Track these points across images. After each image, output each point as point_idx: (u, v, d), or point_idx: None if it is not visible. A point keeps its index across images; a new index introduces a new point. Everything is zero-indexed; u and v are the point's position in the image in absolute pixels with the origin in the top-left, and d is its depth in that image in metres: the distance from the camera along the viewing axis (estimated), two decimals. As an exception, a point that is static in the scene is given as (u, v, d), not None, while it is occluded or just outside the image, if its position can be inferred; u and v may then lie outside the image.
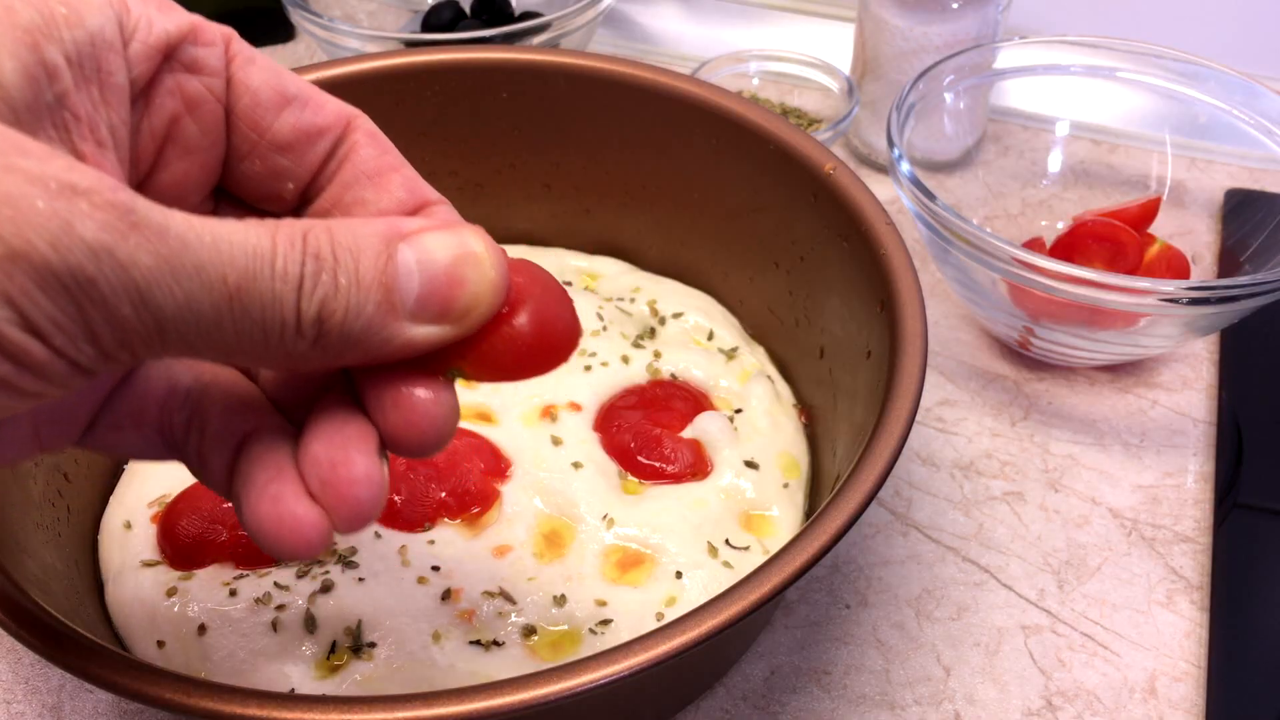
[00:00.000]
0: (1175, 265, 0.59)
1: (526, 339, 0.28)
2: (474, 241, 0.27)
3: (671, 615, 0.42)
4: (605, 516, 0.46)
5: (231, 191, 0.32)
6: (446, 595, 0.43)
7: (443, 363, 0.28)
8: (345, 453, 0.27)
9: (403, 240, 0.27)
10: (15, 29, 0.25)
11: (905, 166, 0.55)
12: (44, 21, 0.25)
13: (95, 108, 0.27)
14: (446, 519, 0.46)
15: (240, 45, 0.30)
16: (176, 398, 0.30)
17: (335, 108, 0.31)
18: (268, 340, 0.25)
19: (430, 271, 0.27)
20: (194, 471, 0.31)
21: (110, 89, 0.27)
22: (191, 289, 0.23)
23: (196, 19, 0.29)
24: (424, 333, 0.27)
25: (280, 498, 0.27)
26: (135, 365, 0.25)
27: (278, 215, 0.27)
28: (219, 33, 0.30)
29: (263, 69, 0.30)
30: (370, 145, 0.31)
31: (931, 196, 0.53)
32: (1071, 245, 0.59)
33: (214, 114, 0.30)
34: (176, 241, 0.23)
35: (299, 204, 0.32)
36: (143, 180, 0.30)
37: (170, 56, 0.29)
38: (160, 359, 0.25)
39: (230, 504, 0.43)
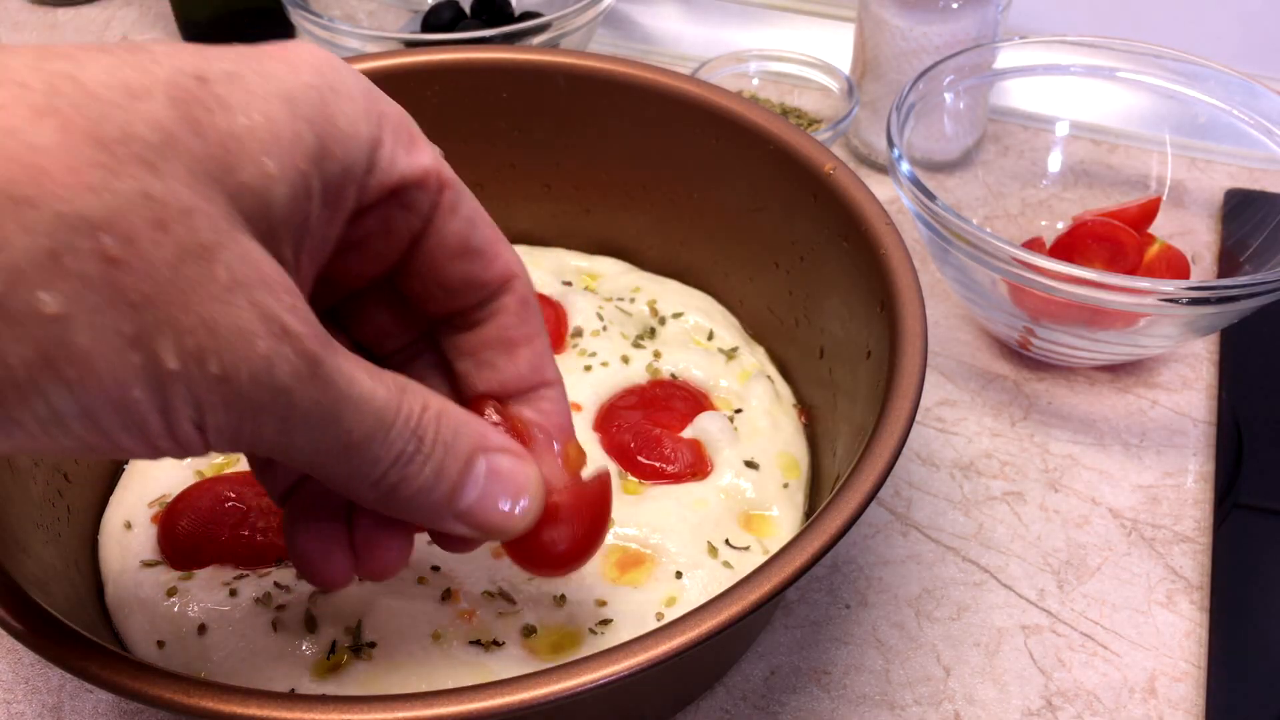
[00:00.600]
0: (1175, 265, 0.59)
1: (540, 554, 0.35)
2: (533, 484, 0.33)
3: (671, 615, 0.42)
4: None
5: (388, 279, 0.35)
6: (446, 595, 0.43)
7: None
8: (387, 528, 0.34)
9: (484, 454, 0.32)
10: (297, 155, 0.27)
11: (905, 166, 0.55)
12: (320, 149, 0.28)
13: (320, 225, 0.29)
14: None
15: (451, 194, 0.33)
16: None
17: (503, 264, 0.34)
18: (350, 478, 0.30)
19: (488, 494, 0.32)
20: (256, 470, 0.35)
21: (338, 209, 0.30)
22: (325, 433, 0.28)
23: (430, 164, 0.32)
24: (460, 530, 0.32)
25: (326, 542, 0.33)
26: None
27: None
28: (438, 178, 0.32)
29: (460, 219, 0.33)
30: (517, 313, 0.35)
31: (931, 196, 0.53)
32: (1071, 245, 0.59)
33: (401, 243, 0.33)
34: (335, 394, 0.27)
35: (441, 318, 0.36)
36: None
37: (395, 194, 0.31)
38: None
39: (230, 505, 0.44)
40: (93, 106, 0.23)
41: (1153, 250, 0.59)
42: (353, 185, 0.30)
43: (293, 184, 0.27)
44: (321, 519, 0.33)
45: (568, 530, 0.35)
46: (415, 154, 0.31)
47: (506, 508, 0.33)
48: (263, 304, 0.25)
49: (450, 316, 0.35)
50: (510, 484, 0.33)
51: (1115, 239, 0.58)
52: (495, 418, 0.35)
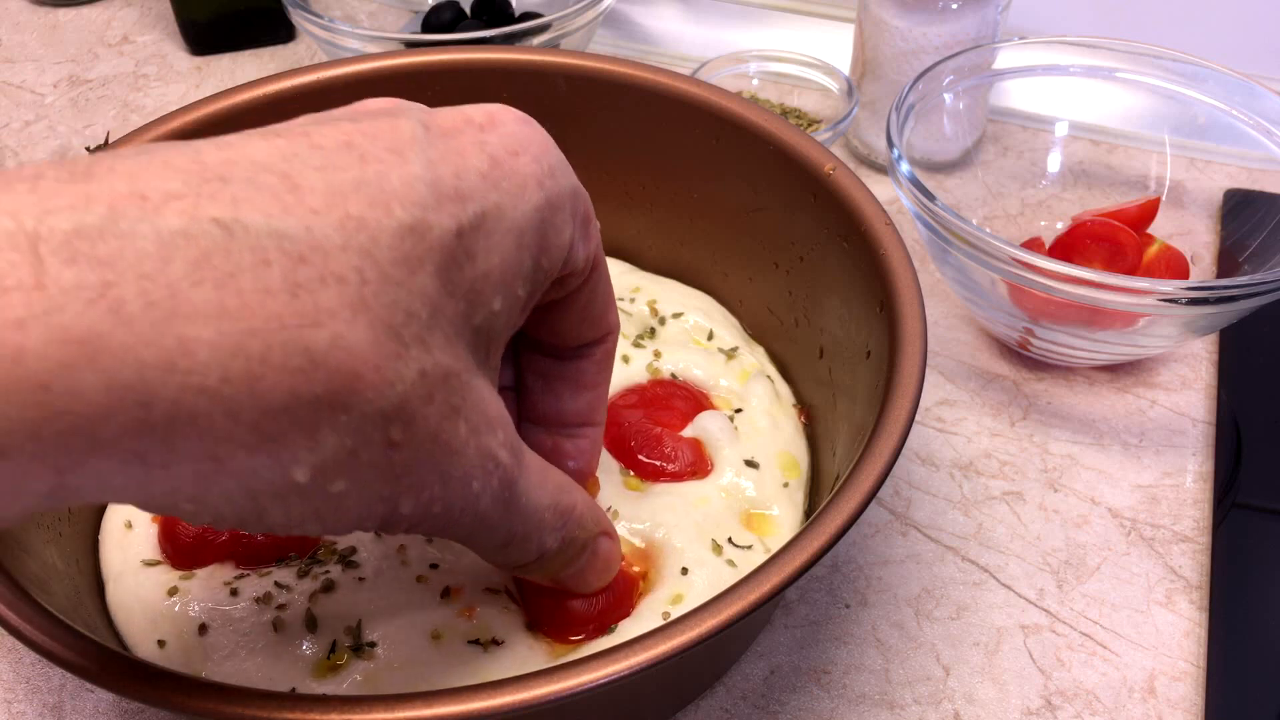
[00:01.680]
0: (1174, 265, 0.59)
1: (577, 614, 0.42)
2: (617, 562, 0.39)
3: (677, 613, 0.42)
4: (609, 509, 0.46)
5: None
6: (446, 593, 0.43)
7: None
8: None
9: (606, 536, 0.37)
10: (517, 284, 0.28)
11: (905, 167, 0.55)
12: (535, 270, 0.29)
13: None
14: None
15: (598, 274, 0.34)
16: None
17: (608, 323, 0.37)
18: (493, 558, 0.34)
19: (590, 569, 0.37)
20: None
21: (530, 303, 0.31)
22: (494, 535, 0.31)
23: (595, 250, 0.33)
24: (543, 577, 0.37)
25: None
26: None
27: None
28: (594, 260, 0.33)
29: (597, 295, 0.35)
30: (600, 363, 0.38)
31: (931, 196, 0.53)
32: (1070, 245, 0.59)
33: (540, 306, 0.34)
34: (517, 510, 0.31)
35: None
36: None
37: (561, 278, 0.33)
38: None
39: None
40: (386, 292, 0.24)
41: (1152, 250, 0.60)
42: (547, 283, 0.31)
43: (511, 309, 0.28)
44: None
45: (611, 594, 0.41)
46: (589, 242, 0.32)
47: (594, 582, 0.38)
48: (486, 446, 0.27)
49: (544, 345, 0.37)
50: (606, 565, 0.38)
51: (1114, 239, 0.59)
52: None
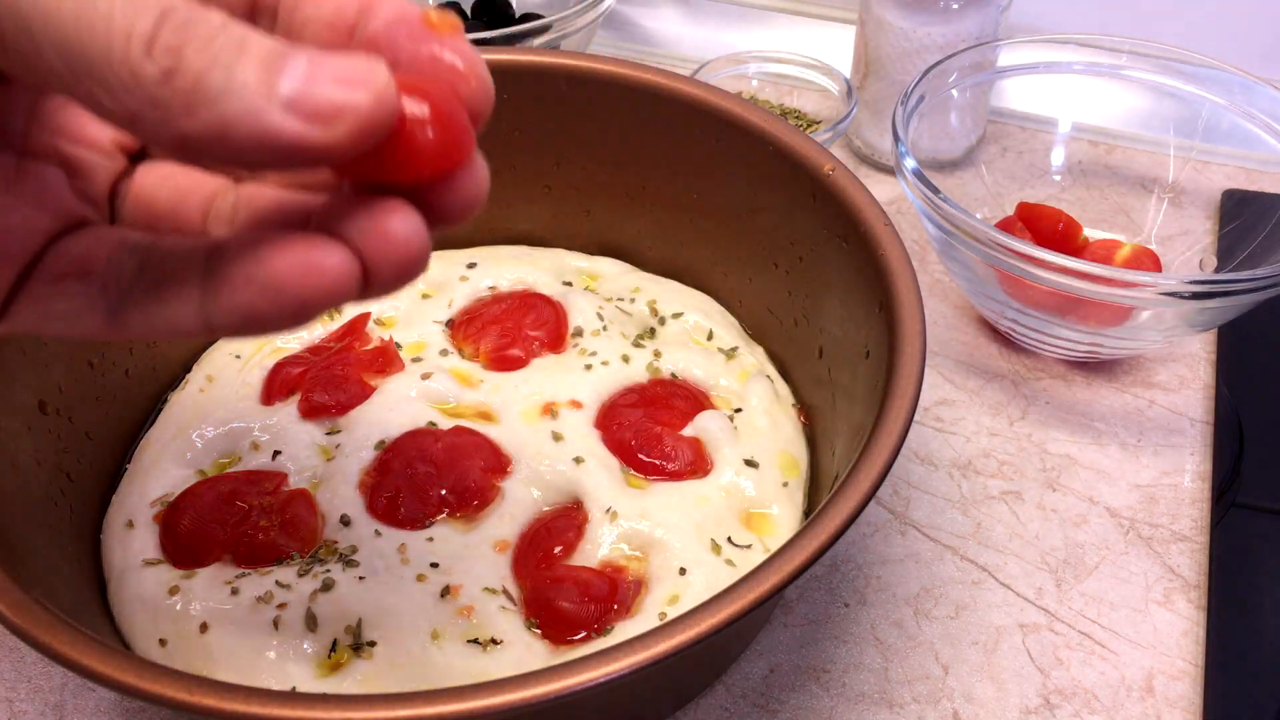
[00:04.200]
0: (1149, 266, 0.60)
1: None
2: (369, 60, 0.25)
3: (674, 613, 0.42)
4: (609, 510, 0.46)
5: None
6: (446, 592, 0.43)
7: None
8: (383, 212, 0.26)
9: (298, 51, 0.24)
10: None
11: (910, 162, 0.55)
12: None
13: None
14: (447, 514, 0.46)
15: None
16: (127, 245, 0.29)
17: None
18: (111, 52, 0.23)
19: (316, 74, 0.24)
20: (136, 324, 0.28)
21: None
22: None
23: None
24: (295, 127, 0.24)
25: (299, 249, 0.26)
26: None
27: None
28: None
29: None
30: None
31: (936, 190, 0.53)
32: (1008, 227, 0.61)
33: None
34: None
35: None
36: None
37: None
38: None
39: (231, 504, 0.44)
40: None
41: (1123, 252, 0.60)
42: None
43: None
44: (275, 241, 0.26)
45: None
46: None
47: (347, 83, 0.24)
48: None
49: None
50: (341, 60, 0.25)
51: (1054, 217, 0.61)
52: None
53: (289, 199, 0.30)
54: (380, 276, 0.26)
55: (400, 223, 0.26)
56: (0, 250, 0.28)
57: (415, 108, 0.26)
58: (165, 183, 0.31)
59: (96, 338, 0.29)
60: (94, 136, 0.30)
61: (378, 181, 0.27)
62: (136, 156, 0.31)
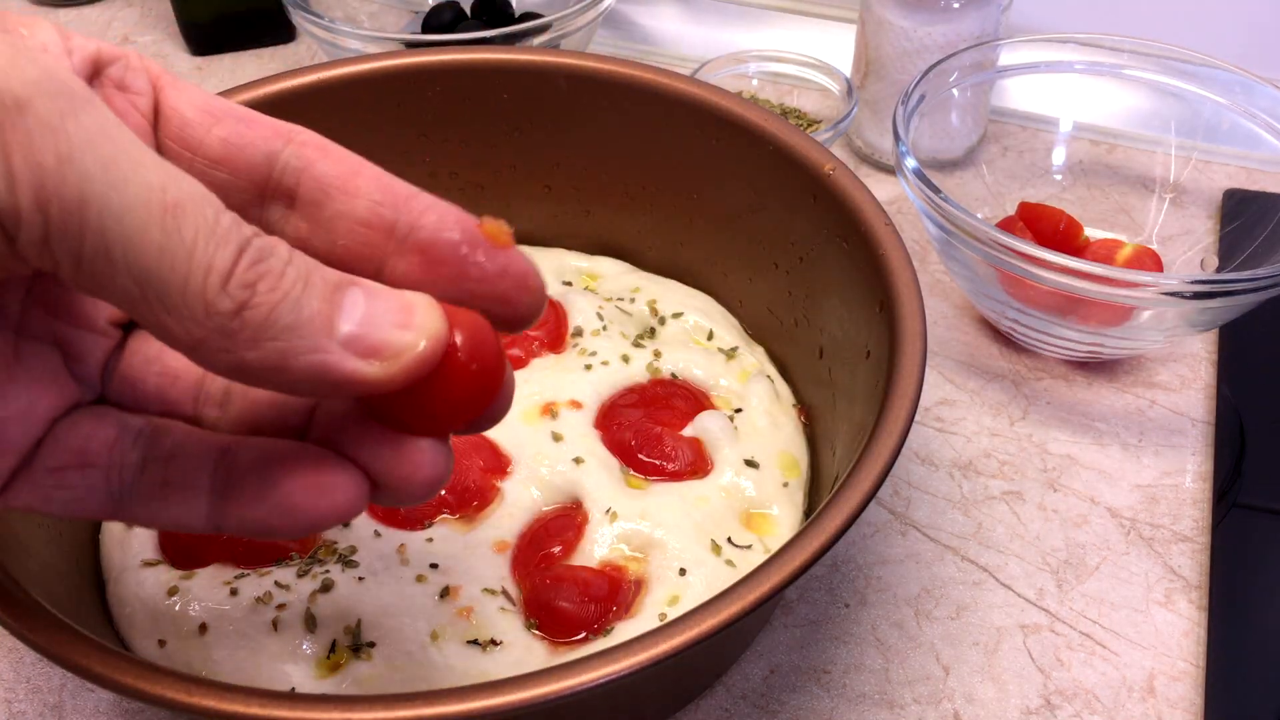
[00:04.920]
0: (1151, 266, 0.60)
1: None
2: (423, 300, 0.26)
3: (674, 614, 0.42)
4: (609, 510, 0.46)
5: None
6: (445, 593, 0.43)
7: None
8: (401, 439, 0.27)
9: (354, 285, 0.26)
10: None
11: (911, 161, 0.55)
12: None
13: None
14: (446, 514, 0.46)
15: (168, 76, 0.29)
16: (128, 436, 0.29)
17: (271, 124, 0.29)
18: (189, 283, 0.23)
19: (374, 313, 0.26)
20: (142, 517, 0.29)
21: None
22: (123, 176, 0.22)
23: (128, 52, 0.28)
24: (352, 365, 0.25)
25: (310, 473, 0.27)
26: (45, 261, 0.23)
27: None
28: (145, 63, 0.29)
29: (191, 93, 0.29)
30: (322, 155, 0.29)
31: (936, 190, 0.53)
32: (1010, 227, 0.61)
33: (141, 132, 0.28)
34: (115, 128, 0.23)
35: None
36: None
37: (99, 71, 0.28)
38: (70, 266, 0.23)
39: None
40: None
41: (1124, 252, 0.60)
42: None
43: None
44: (289, 463, 0.27)
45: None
46: (100, 40, 0.28)
47: (402, 325, 0.26)
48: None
49: (271, 222, 0.29)
50: (396, 300, 0.26)
51: (1054, 217, 0.61)
52: None
53: (281, 395, 0.30)
54: (401, 496, 0.28)
55: (426, 467, 0.27)
56: (1, 441, 0.27)
57: (460, 351, 0.27)
58: (153, 365, 0.31)
59: (100, 519, 0.29)
60: (90, 316, 0.30)
61: (406, 420, 0.27)
62: (127, 326, 0.31)
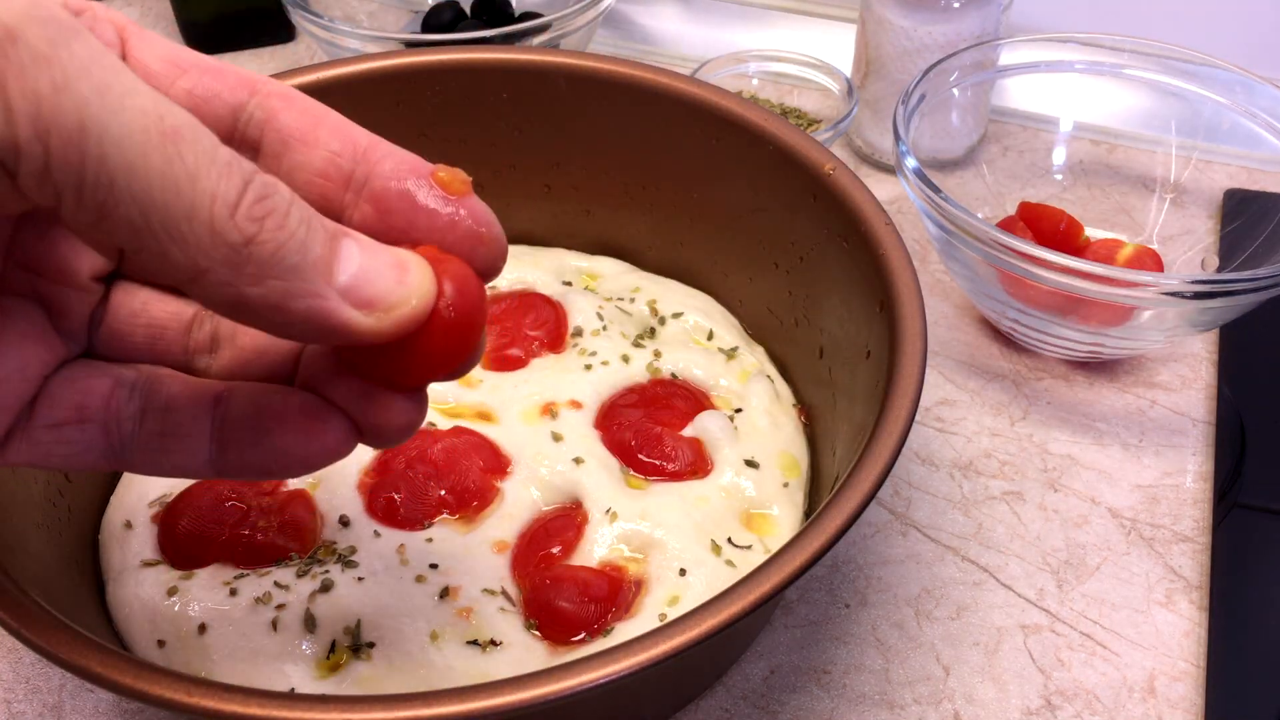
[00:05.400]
0: (1151, 266, 0.60)
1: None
2: (413, 257, 0.27)
3: (674, 614, 0.42)
4: (609, 511, 0.46)
5: None
6: (445, 593, 0.43)
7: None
8: (386, 403, 0.28)
9: (346, 236, 0.26)
10: None
11: (911, 161, 0.55)
12: None
13: None
14: (446, 515, 0.46)
15: (134, 27, 0.28)
16: (124, 388, 0.29)
17: (237, 73, 0.29)
18: (195, 209, 0.23)
19: (369, 266, 0.26)
20: (143, 466, 0.30)
21: None
22: (119, 102, 0.22)
23: (94, 4, 0.28)
24: (347, 314, 0.26)
25: (300, 421, 0.29)
26: (47, 194, 0.22)
27: None
28: (110, 13, 0.28)
29: (156, 44, 0.28)
30: (286, 105, 0.28)
31: (936, 189, 0.53)
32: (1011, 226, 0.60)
33: None
34: (105, 55, 0.22)
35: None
36: None
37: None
38: (73, 198, 0.22)
39: (230, 504, 0.44)
40: None
41: (1125, 252, 0.60)
42: None
43: None
44: (284, 407, 0.29)
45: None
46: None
47: (397, 281, 0.26)
48: None
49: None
50: (391, 256, 0.27)
51: (1055, 217, 0.61)
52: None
53: (268, 341, 0.31)
54: (379, 441, 0.29)
55: (401, 414, 0.29)
56: None
57: (444, 308, 0.27)
58: (139, 318, 0.31)
59: (100, 470, 0.30)
60: (71, 271, 0.30)
61: (389, 376, 0.28)
62: (108, 279, 0.31)
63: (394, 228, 0.28)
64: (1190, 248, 0.63)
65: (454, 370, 0.29)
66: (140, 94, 0.23)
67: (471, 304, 0.28)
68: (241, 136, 0.28)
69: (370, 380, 0.28)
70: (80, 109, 0.21)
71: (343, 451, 0.29)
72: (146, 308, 0.31)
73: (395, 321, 0.26)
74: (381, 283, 0.26)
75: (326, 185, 0.28)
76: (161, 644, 0.42)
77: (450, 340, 0.27)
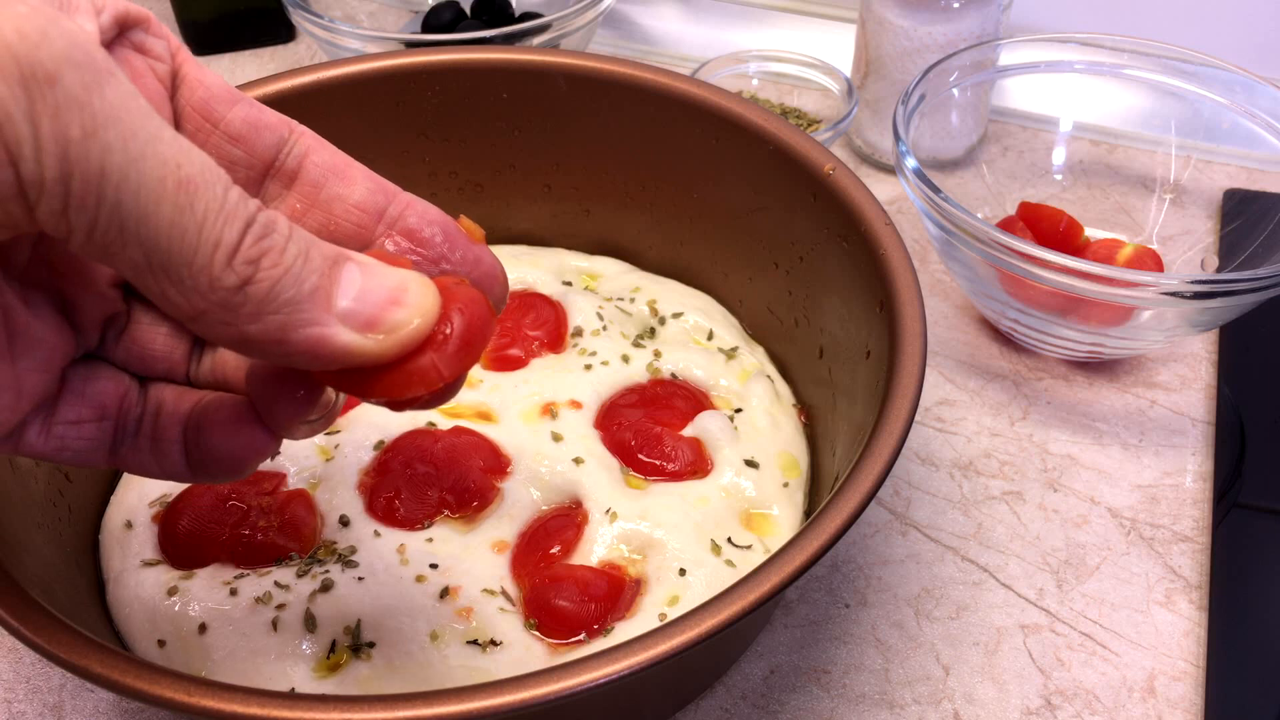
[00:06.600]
0: (1151, 266, 0.60)
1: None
2: (414, 277, 0.28)
3: (674, 614, 0.42)
4: (609, 511, 0.46)
5: None
6: (445, 593, 0.43)
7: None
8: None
9: (349, 261, 0.27)
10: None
11: (911, 161, 0.55)
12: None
13: None
14: (446, 515, 0.46)
15: (186, 50, 0.30)
16: (133, 391, 0.32)
17: (276, 114, 0.31)
18: (196, 257, 0.24)
19: (371, 289, 0.27)
20: (138, 462, 0.32)
21: None
22: (141, 150, 0.23)
23: (151, 14, 0.29)
24: (347, 338, 0.26)
25: (230, 422, 0.31)
26: (60, 229, 0.23)
27: None
28: (163, 30, 0.30)
29: (209, 72, 0.30)
30: (320, 147, 0.31)
31: (936, 189, 0.53)
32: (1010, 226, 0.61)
33: (156, 95, 0.29)
34: (134, 100, 0.23)
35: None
36: None
37: (123, 31, 0.28)
38: (83, 235, 0.23)
39: (230, 504, 0.44)
40: None
41: (1125, 252, 0.60)
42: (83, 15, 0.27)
43: None
44: (234, 419, 0.31)
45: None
46: (125, 1, 0.28)
47: (396, 302, 0.27)
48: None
49: (271, 195, 0.31)
50: (391, 277, 0.27)
51: (1055, 217, 0.61)
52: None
53: (236, 369, 0.33)
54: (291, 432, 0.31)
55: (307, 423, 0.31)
56: (21, 387, 0.28)
57: (448, 328, 0.28)
58: (156, 328, 0.33)
59: (96, 466, 0.33)
60: (92, 277, 0.31)
61: (382, 392, 0.28)
62: (127, 286, 0.32)
63: (426, 260, 0.31)
64: (1190, 248, 0.63)
65: (444, 394, 0.30)
66: (164, 141, 0.24)
67: (477, 325, 0.29)
68: (280, 167, 0.31)
69: (366, 400, 0.29)
70: (104, 155, 0.23)
71: (264, 452, 0.31)
72: (160, 327, 0.33)
73: (399, 341, 0.27)
74: (381, 304, 0.27)
75: (363, 216, 0.31)
76: (162, 644, 0.42)
77: (452, 361, 0.28)
